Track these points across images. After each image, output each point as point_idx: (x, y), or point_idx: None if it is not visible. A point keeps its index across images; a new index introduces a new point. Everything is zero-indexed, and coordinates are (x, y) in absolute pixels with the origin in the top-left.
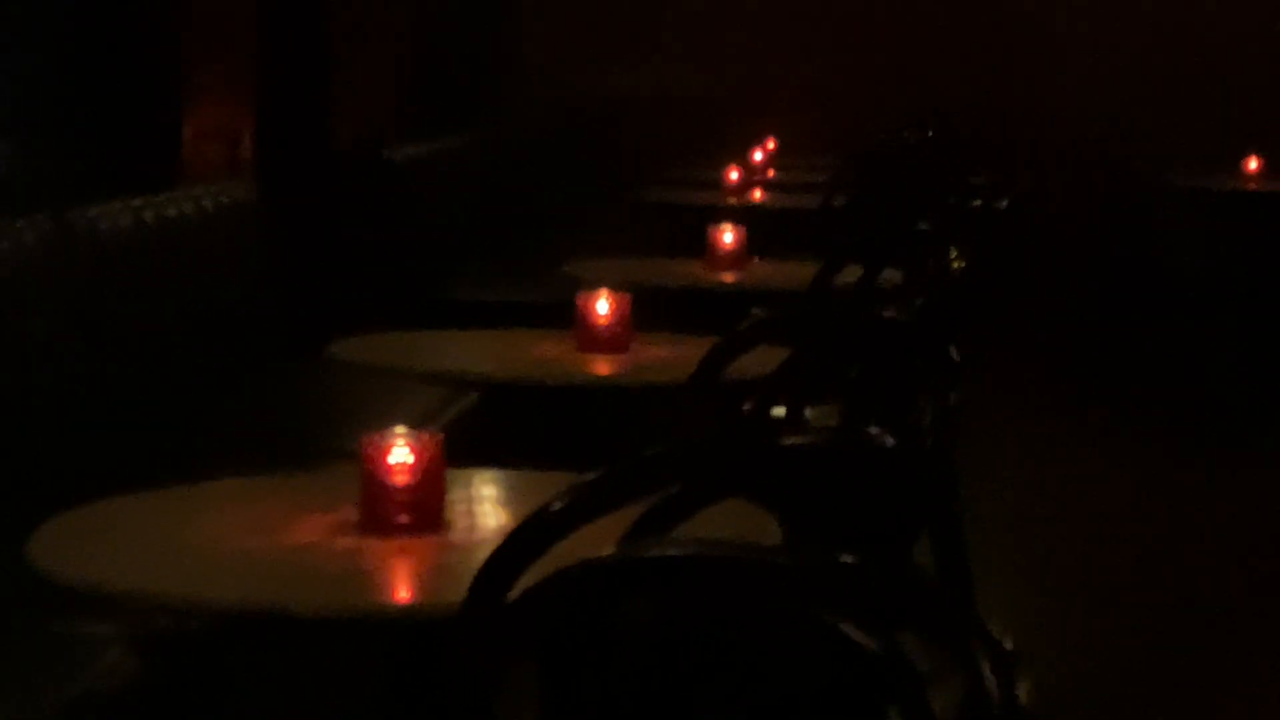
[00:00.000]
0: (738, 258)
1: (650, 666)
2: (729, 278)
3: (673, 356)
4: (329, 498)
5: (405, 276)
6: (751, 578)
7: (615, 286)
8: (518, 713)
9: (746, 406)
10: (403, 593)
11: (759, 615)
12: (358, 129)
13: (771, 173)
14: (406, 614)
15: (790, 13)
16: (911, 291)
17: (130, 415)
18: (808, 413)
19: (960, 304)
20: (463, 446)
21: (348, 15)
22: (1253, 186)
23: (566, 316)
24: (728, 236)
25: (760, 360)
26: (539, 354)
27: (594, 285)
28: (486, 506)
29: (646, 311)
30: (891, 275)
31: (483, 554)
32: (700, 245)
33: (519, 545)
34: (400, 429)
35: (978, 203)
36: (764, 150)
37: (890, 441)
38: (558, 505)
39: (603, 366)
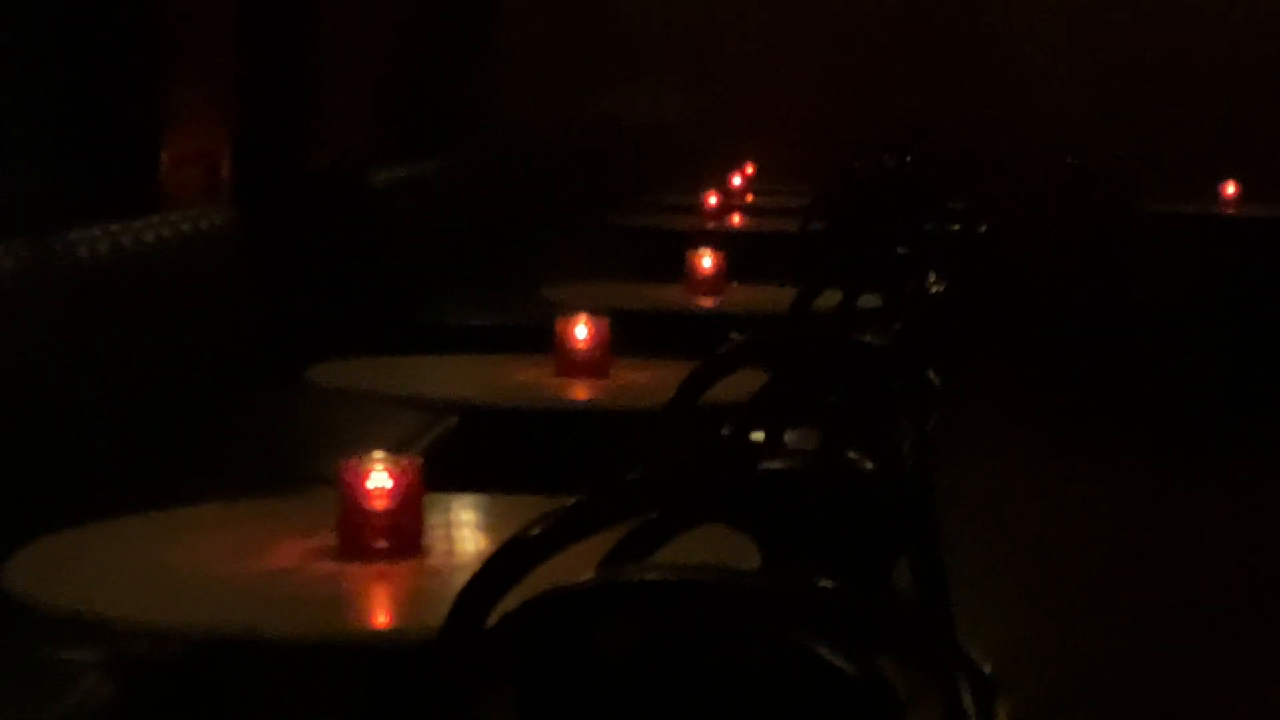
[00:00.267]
0: (716, 282)
1: (629, 691)
2: (708, 302)
3: (651, 381)
4: (307, 522)
5: (384, 301)
6: (730, 602)
7: (594, 311)
8: None
9: (725, 431)
10: (381, 618)
11: (738, 640)
12: (336, 153)
13: (750, 197)
14: (385, 639)
15: (769, 39)
16: (890, 316)
17: (108, 440)
18: (787, 437)
19: (938, 328)
20: (441, 471)
21: (326, 40)
22: (1229, 211)
23: (545, 341)
24: (706, 261)
25: (739, 384)
26: (518, 378)
27: (573, 310)
28: (465, 531)
29: (625, 336)
30: (870, 299)
31: (461, 579)
32: (679, 270)
33: (497, 570)
34: (379, 454)
35: (956, 227)
36: (743, 175)
37: (869, 465)
38: (536, 530)
39: (581, 391)
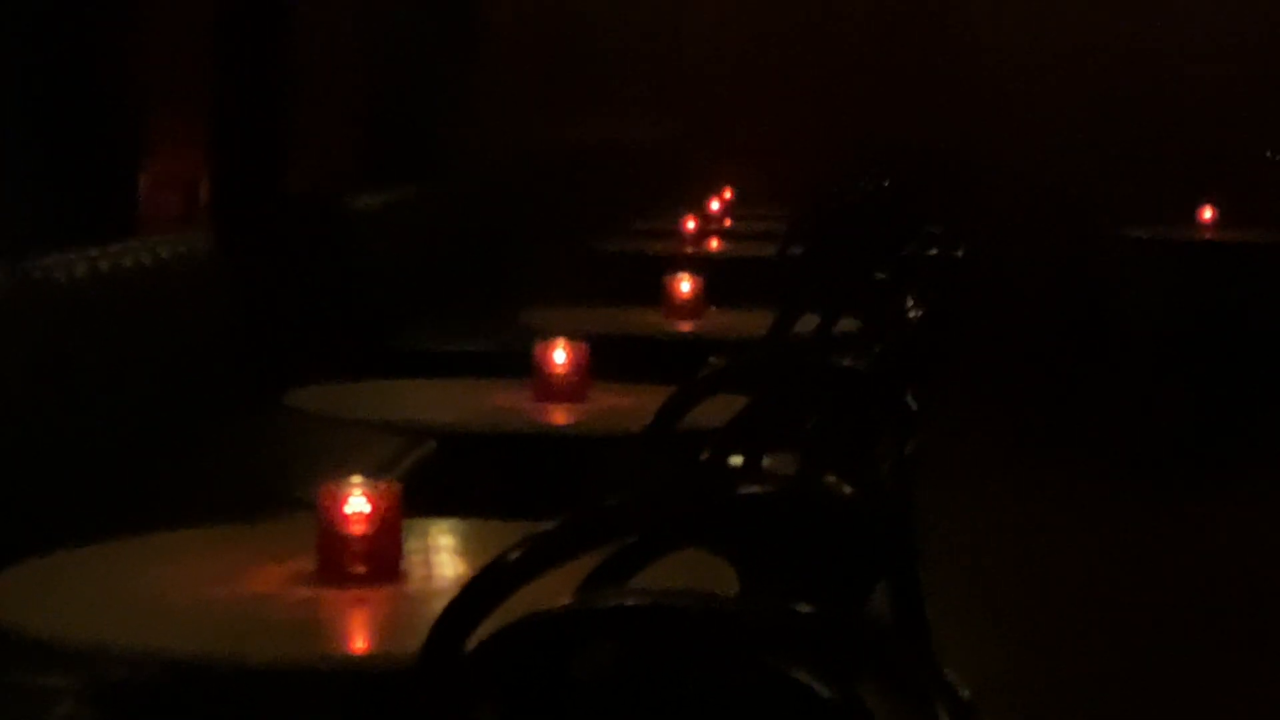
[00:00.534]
0: (695, 307)
1: (608, 717)
2: (686, 327)
3: (630, 405)
4: (285, 547)
5: (362, 325)
6: (709, 628)
7: (572, 336)
8: None
9: (704, 455)
10: (359, 643)
11: (716, 665)
12: (314, 178)
13: (728, 222)
14: (363, 664)
15: (746, 64)
16: (868, 340)
17: (86, 465)
18: (765, 461)
19: (917, 353)
20: (420, 496)
21: (304, 65)
22: (1207, 236)
23: (524, 366)
24: (685, 285)
25: (718, 409)
26: (496, 403)
27: (551, 334)
28: (443, 556)
29: (604, 361)
30: (848, 324)
31: (439, 604)
32: (657, 294)
33: (476, 595)
34: (357, 478)
35: (934, 252)
36: (721, 199)
37: (848, 490)
38: (515, 555)
39: (560, 416)
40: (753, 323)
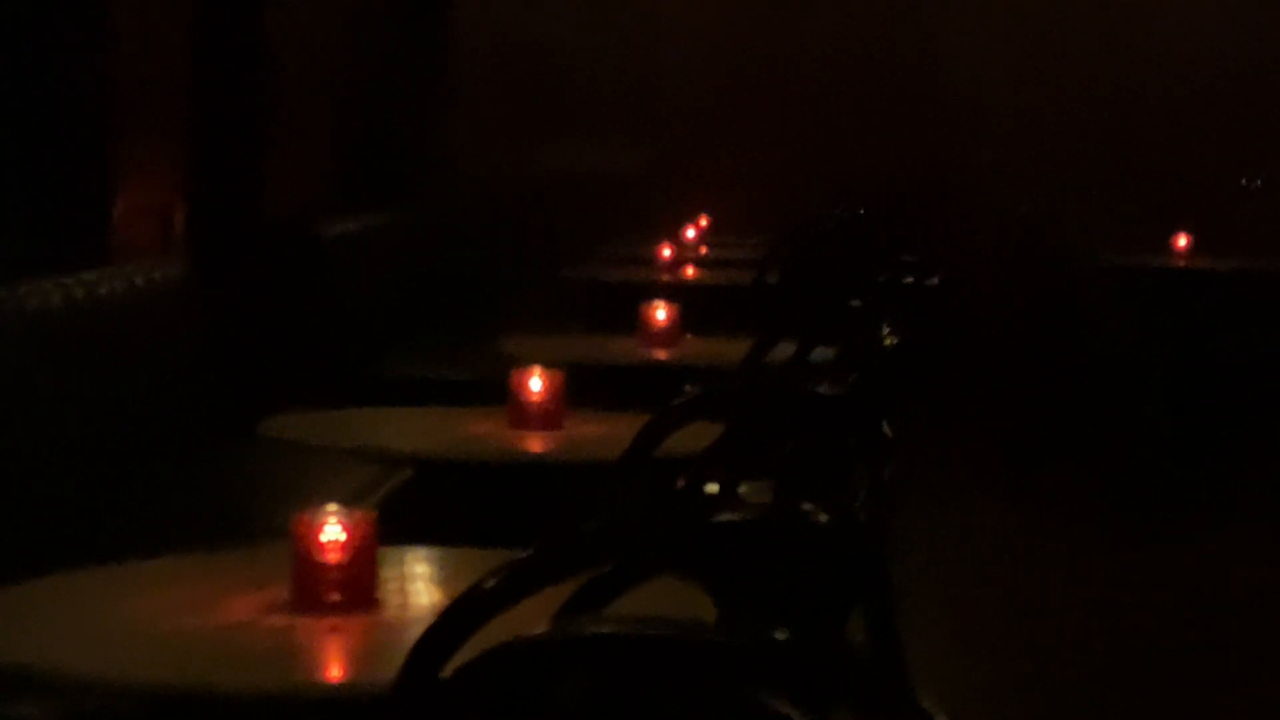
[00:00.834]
0: (671, 334)
1: None
2: (662, 354)
3: (606, 433)
4: (260, 576)
5: (337, 353)
6: (685, 655)
7: (548, 363)
8: None
9: (680, 483)
10: (334, 671)
11: (693, 693)
12: (289, 206)
13: (704, 250)
14: (338, 693)
15: (721, 91)
16: (844, 368)
17: (59, 494)
18: (741, 489)
19: (893, 380)
20: (395, 524)
21: (279, 92)
22: (1181, 264)
23: (499, 393)
24: (661, 313)
25: (694, 437)
26: (472, 431)
27: (527, 362)
28: (419, 584)
29: (580, 388)
30: (824, 352)
31: (415, 632)
32: (633, 322)
33: (451, 623)
34: (332, 507)
35: (909, 280)
36: (697, 227)
37: (824, 517)
38: (490, 583)
39: (536, 443)
40: (729, 350)
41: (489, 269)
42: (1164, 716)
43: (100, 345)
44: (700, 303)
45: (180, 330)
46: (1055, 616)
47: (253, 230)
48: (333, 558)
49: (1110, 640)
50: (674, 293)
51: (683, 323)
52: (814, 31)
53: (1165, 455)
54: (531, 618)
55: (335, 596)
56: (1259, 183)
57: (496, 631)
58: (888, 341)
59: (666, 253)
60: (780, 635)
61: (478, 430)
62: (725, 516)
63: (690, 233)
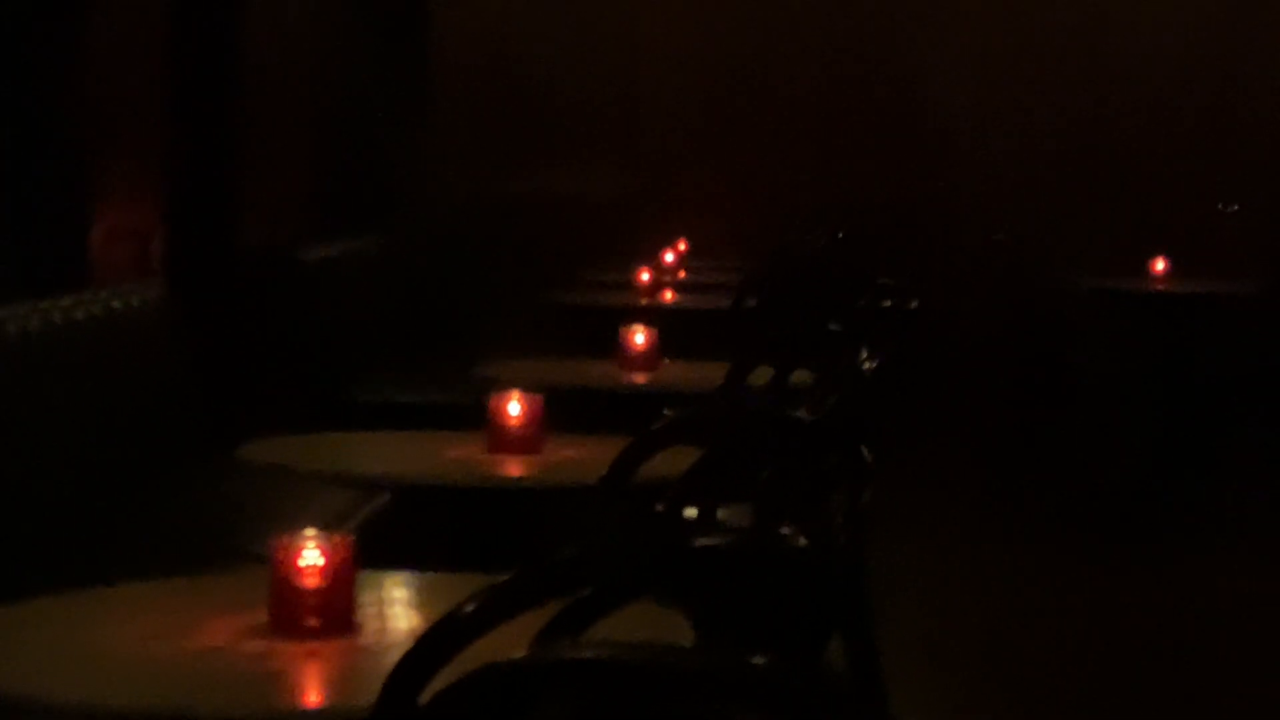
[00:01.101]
0: (649, 359)
1: None
2: (641, 379)
3: (585, 457)
4: (238, 600)
5: (316, 378)
6: (664, 680)
7: (527, 388)
8: None
9: (659, 508)
10: (312, 696)
11: (672, 718)
12: (268, 230)
13: (683, 274)
14: (316, 718)
15: (702, 116)
16: (823, 392)
17: (37, 518)
18: (720, 513)
19: (872, 404)
20: (374, 548)
21: (258, 116)
22: (1160, 288)
23: (478, 418)
24: (639, 338)
25: (672, 461)
26: (451, 455)
27: (506, 386)
28: (397, 609)
29: (558, 413)
30: (803, 376)
31: (393, 657)
32: (612, 346)
33: (430, 648)
34: (310, 531)
35: (888, 304)
36: (675, 251)
37: (802, 542)
38: (469, 608)
39: (515, 468)
40: (707, 375)
41: (468, 293)
42: None
43: (79, 369)
44: (679, 327)
45: (159, 354)
46: (1036, 640)
47: (232, 254)
48: (311, 582)
49: (1092, 661)
50: (653, 317)
51: (661, 347)
52: (793, 58)
53: (1144, 477)
54: (510, 643)
55: (313, 621)
56: (1235, 207)
57: (474, 657)
58: (866, 366)
59: (645, 277)
60: (759, 660)
61: (456, 454)
62: (704, 541)
63: (669, 257)
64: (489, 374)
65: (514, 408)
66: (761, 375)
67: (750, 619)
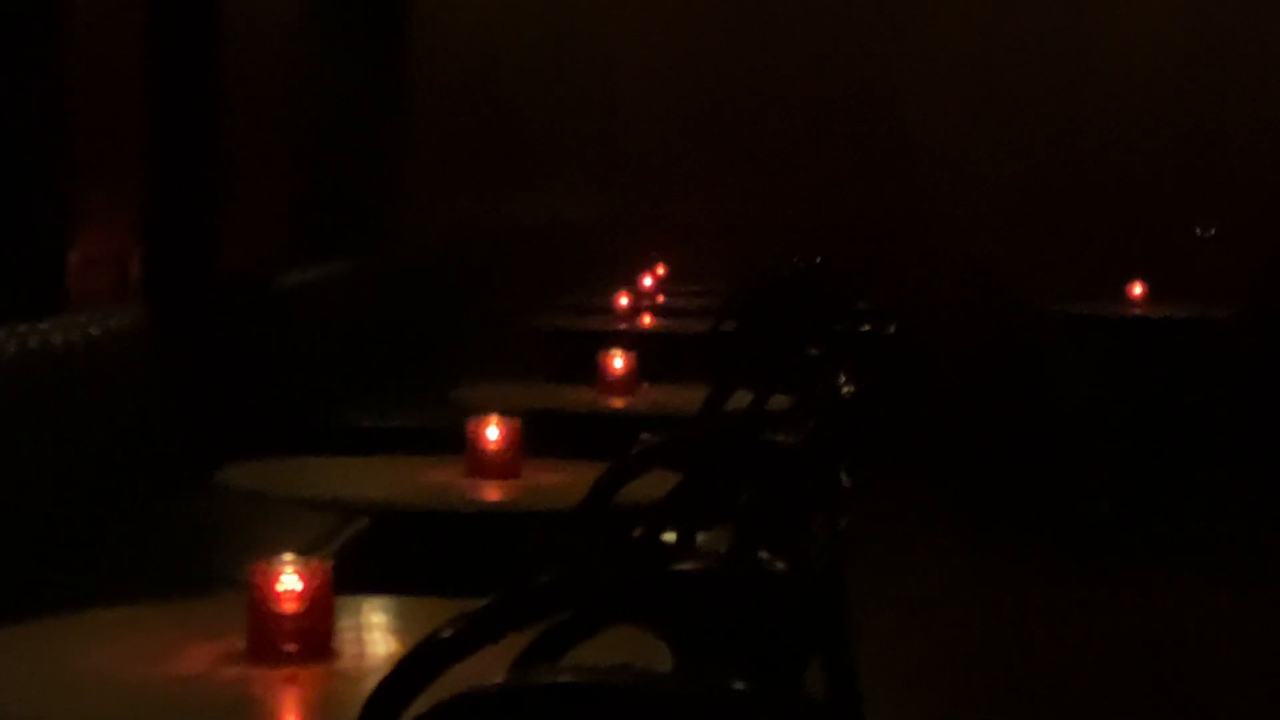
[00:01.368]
0: (628, 383)
1: None
2: (619, 403)
3: (563, 482)
4: (216, 626)
5: (294, 402)
6: (642, 705)
7: (506, 412)
8: None
9: (637, 532)
10: None
11: None
12: (246, 255)
13: (661, 298)
14: None
15: (680, 140)
16: (801, 416)
17: (14, 543)
18: (698, 538)
19: (850, 429)
20: (352, 574)
21: (236, 142)
22: (1137, 312)
23: (457, 442)
24: (618, 362)
25: (651, 485)
26: (429, 480)
27: (484, 411)
28: (376, 634)
29: (537, 437)
30: (781, 400)
31: (372, 682)
32: (591, 370)
33: (408, 673)
34: (288, 556)
35: (866, 328)
36: (653, 276)
37: (781, 566)
38: (447, 633)
39: (493, 492)
40: (686, 399)
41: (446, 317)
42: None
43: (56, 394)
44: (657, 351)
45: (136, 379)
46: (1014, 664)
47: (210, 279)
48: (289, 608)
49: (1072, 686)
50: (631, 341)
51: (640, 371)
52: (771, 81)
53: (1122, 502)
54: (488, 667)
55: (291, 647)
56: (1213, 231)
57: (453, 681)
58: (845, 390)
59: (623, 301)
60: (738, 684)
61: (435, 479)
62: (682, 565)
63: (647, 281)
64: (467, 398)
65: (492, 432)
66: (740, 399)
67: (729, 643)
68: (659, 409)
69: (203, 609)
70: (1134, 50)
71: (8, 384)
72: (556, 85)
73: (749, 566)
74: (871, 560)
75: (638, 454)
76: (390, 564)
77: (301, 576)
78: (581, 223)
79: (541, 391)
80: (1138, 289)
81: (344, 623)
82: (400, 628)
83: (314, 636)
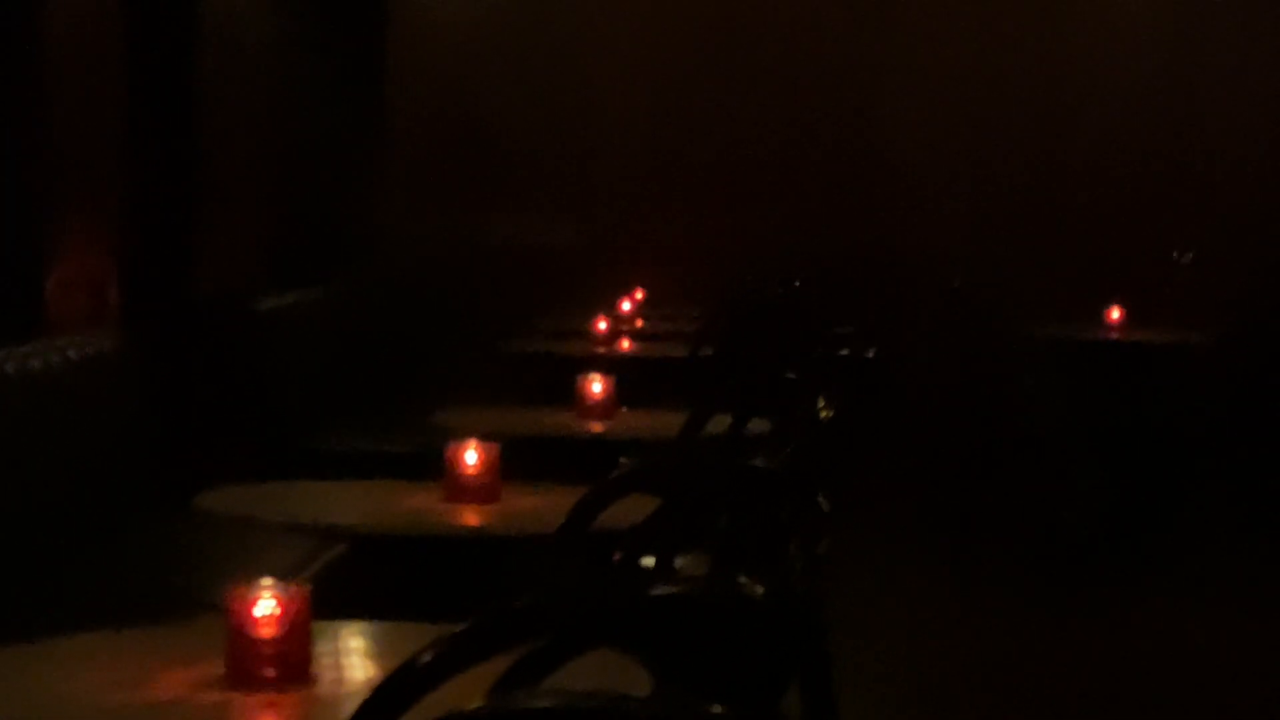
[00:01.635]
0: (607, 407)
1: None
2: (598, 427)
3: (542, 506)
4: (194, 651)
5: (272, 427)
6: None
7: (484, 436)
8: None
9: (616, 556)
10: None
11: None
12: (223, 279)
13: (640, 322)
14: None
15: (658, 164)
16: (780, 440)
17: None
18: (677, 562)
19: (828, 453)
20: (330, 598)
21: (213, 166)
22: (1114, 336)
23: (435, 467)
24: (596, 386)
25: (629, 510)
26: (407, 504)
27: (463, 435)
28: (354, 659)
29: (516, 461)
30: (760, 424)
31: (350, 707)
32: (569, 395)
33: (386, 698)
34: (266, 581)
35: (845, 353)
36: (632, 300)
37: (760, 590)
38: (426, 657)
39: (472, 517)
40: (664, 423)
41: (424, 342)
42: None
43: (33, 419)
44: (636, 375)
45: (114, 404)
46: (992, 688)
47: (187, 303)
48: (267, 632)
49: (1048, 709)
50: (610, 366)
51: (618, 395)
52: (750, 107)
53: (1099, 526)
54: (467, 692)
55: (270, 672)
56: (1190, 256)
57: (432, 706)
58: (823, 414)
59: (602, 325)
60: (716, 709)
61: (413, 503)
62: (661, 590)
63: (626, 305)
64: (446, 423)
65: (471, 456)
66: (719, 424)
67: (708, 668)
68: (638, 434)
69: (180, 634)
70: (1111, 78)
71: None
72: (534, 109)
73: (728, 591)
74: (850, 584)
75: (616, 478)
76: (369, 589)
77: (280, 601)
78: (560, 247)
79: (520, 416)
80: (1115, 313)
81: (322, 647)
82: (379, 652)
83: (292, 661)
